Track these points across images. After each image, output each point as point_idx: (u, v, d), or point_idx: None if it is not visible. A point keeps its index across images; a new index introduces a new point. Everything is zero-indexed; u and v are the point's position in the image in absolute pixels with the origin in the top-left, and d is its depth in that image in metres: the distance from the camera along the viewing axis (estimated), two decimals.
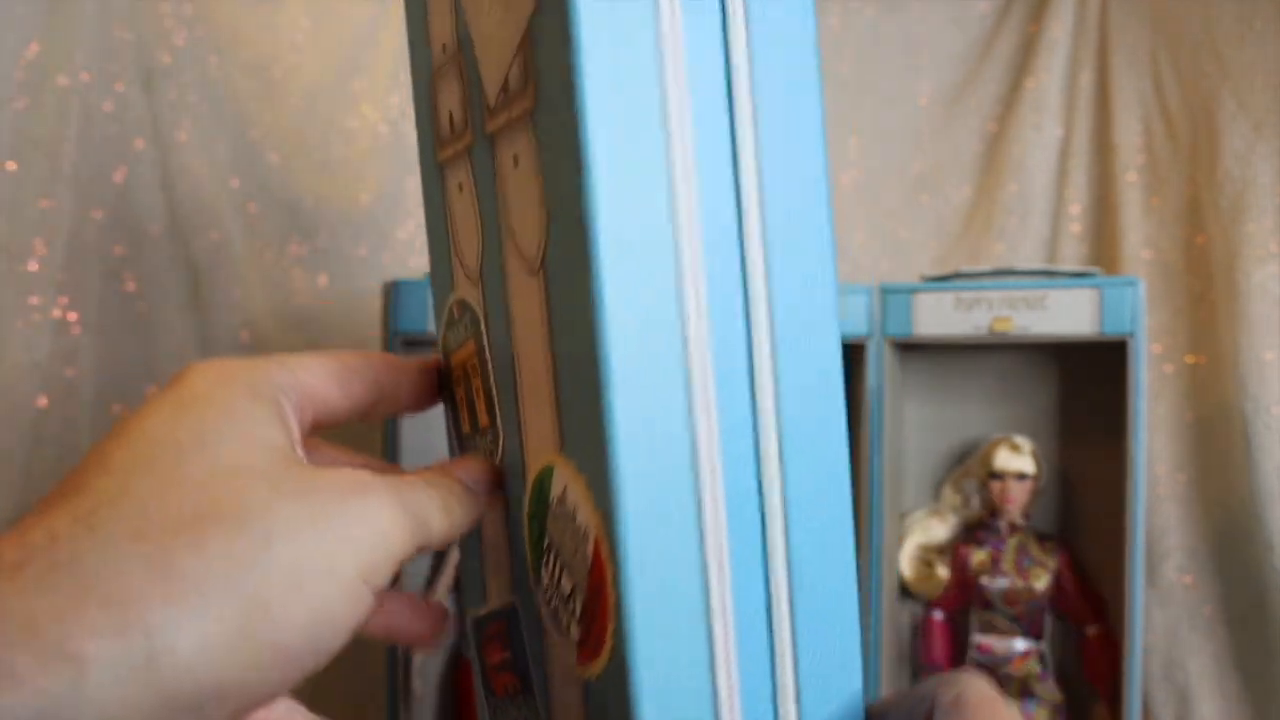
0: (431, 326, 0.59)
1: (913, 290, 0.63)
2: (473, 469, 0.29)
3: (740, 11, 0.22)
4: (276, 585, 0.21)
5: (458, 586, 0.65)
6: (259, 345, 0.73)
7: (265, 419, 0.25)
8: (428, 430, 0.60)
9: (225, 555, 0.21)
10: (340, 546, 0.22)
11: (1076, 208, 0.80)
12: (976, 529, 0.68)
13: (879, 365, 0.64)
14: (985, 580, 0.66)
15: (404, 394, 0.30)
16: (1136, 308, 0.58)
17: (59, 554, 0.20)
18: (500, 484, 0.29)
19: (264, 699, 0.22)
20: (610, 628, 0.22)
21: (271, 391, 0.26)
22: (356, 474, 0.24)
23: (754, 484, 0.23)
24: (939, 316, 0.62)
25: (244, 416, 0.24)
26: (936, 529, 0.69)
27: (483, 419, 0.29)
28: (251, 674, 0.21)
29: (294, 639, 0.21)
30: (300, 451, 0.26)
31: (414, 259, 0.79)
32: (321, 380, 0.28)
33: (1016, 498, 0.66)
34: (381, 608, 0.27)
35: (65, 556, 0.20)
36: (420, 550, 0.25)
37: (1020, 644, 0.65)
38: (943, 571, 0.69)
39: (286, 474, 0.23)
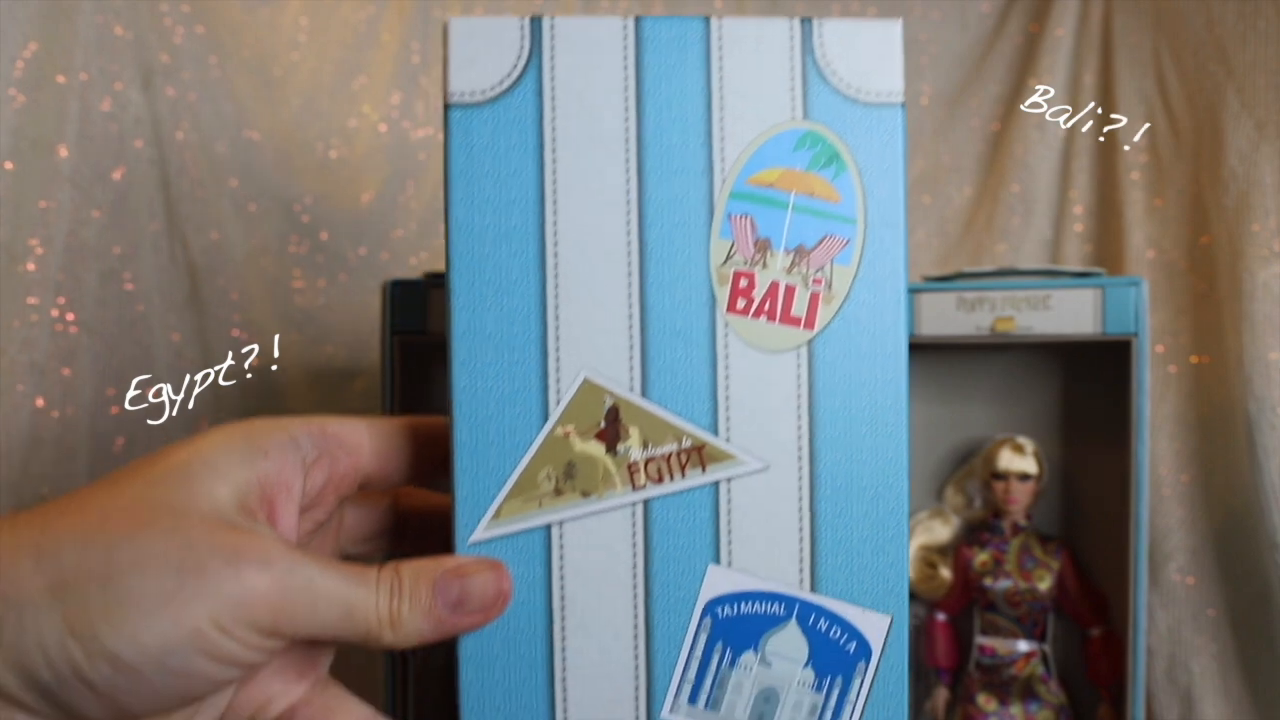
0: (429, 326, 0.59)
1: (915, 290, 0.63)
2: (471, 589, 0.29)
3: None
4: (118, 604, 0.25)
5: None
6: (257, 346, 0.73)
7: (233, 475, 0.28)
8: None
9: (88, 570, 0.25)
10: (194, 595, 0.25)
11: (1080, 208, 0.79)
12: (979, 530, 0.68)
13: None
14: (988, 581, 0.65)
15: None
16: (1140, 308, 0.58)
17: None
18: (504, 604, 0.30)
19: (130, 705, 0.25)
20: None
21: (272, 445, 0.29)
22: (249, 544, 0.27)
23: None
24: (941, 317, 0.62)
25: (209, 470, 0.28)
26: (939, 530, 0.69)
27: None
28: (99, 673, 0.25)
29: (134, 656, 0.25)
30: (259, 514, 0.29)
31: (413, 259, 0.78)
32: (353, 433, 0.32)
33: (1019, 499, 0.65)
34: (282, 675, 0.31)
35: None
36: (349, 640, 0.28)
37: (1023, 645, 0.65)
38: (946, 573, 0.68)
39: (196, 525, 0.27)
